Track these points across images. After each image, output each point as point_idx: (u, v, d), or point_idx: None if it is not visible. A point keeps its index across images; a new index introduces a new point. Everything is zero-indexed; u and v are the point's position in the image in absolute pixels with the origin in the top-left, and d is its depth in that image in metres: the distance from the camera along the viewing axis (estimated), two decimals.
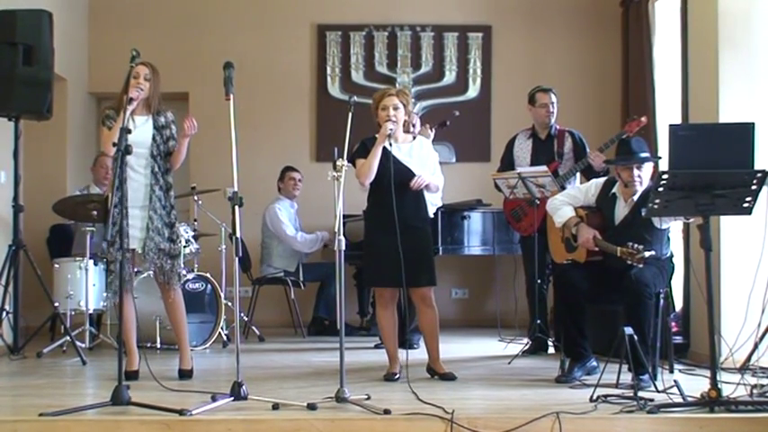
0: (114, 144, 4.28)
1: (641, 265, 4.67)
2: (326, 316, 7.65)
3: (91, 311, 6.37)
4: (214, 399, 4.12)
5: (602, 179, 5.32)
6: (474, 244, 7.24)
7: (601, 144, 6.10)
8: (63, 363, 5.80)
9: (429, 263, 5.09)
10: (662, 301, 4.96)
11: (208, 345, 6.47)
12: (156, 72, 5.05)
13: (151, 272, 5.26)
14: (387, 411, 3.91)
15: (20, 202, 6.08)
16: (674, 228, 5.24)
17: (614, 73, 8.04)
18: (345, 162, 4.51)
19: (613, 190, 5.10)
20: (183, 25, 8.58)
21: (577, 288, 4.99)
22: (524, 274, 6.52)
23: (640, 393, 4.19)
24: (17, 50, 5.87)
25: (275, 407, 4.04)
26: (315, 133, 8.63)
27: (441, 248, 6.96)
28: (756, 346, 5.03)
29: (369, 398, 4.20)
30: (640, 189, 4.95)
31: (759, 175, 4.00)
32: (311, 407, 4.01)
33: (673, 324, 5.61)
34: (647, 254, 4.56)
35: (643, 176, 4.95)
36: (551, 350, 6.17)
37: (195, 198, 6.91)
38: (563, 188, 5.89)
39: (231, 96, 4.41)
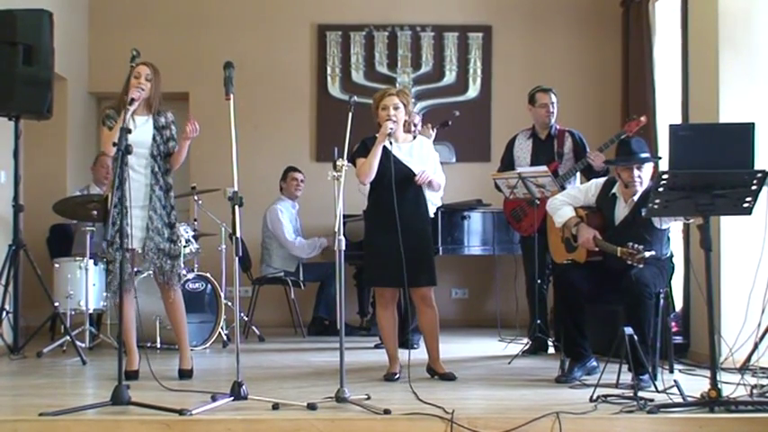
0: (114, 144, 4.28)
1: (641, 266, 4.67)
2: (326, 316, 7.65)
3: (91, 311, 6.37)
4: (214, 399, 4.12)
5: (602, 179, 5.32)
6: (474, 244, 7.24)
7: (600, 144, 6.10)
8: (63, 362, 5.80)
9: (429, 263, 5.09)
10: (662, 301, 4.96)
11: (208, 345, 6.47)
12: (158, 72, 5.06)
13: (151, 272, 5.26)
14: (387, 411, 3.91)
15: (20, 201, 6.08)
16: (674, 228, 5.24)
17: (614, 73, 8.04)
18: (345, 162, 4.51)
19: (613, 190, 5.10)
20: (183, 25, 8.59)
21: (577, 288, 4.99)
22: (524, 274, 6.52)
23: (640, 393, 4.19)
24: (17, 50, 5.87)
25: (275, 407, 4.04)
26: (315, 133, 8.64)
27: (441, 248, 6.96)
28: (756, 346, 5.03)
29: (369, 398, 4.20)
30: (640, 189, 4.95)
31: (759, 175, 4.00)
32: (311, 407, 4.01)
33: (673, 324, 5.61)
34: (647, 254, 4.56)
35: (643, 177, 4.95)
36: (551, 350, 6.17)
37: (195, 198, 6.91)
38: (563, 188, 5.89)
39: (231, 96, 4.41)
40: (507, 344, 6.55)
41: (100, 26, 8.57)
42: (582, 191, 5.31)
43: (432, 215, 5.28)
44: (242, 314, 7.13)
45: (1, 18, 5.91)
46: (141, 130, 4.98)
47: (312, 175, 7.87)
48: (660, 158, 5.41)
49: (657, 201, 4.12)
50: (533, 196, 5.98)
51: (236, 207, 4.29)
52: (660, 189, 4.06)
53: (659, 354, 4.97)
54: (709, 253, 4.13)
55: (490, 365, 5.72)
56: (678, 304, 6.08)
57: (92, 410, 3.98)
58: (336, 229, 4.36)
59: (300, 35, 8.66)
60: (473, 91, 8.63)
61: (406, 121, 5.11)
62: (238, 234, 4.28)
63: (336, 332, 4.56)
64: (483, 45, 8.63)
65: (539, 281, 6.10)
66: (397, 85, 8.30)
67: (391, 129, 4.93)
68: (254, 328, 7.34)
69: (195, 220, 6.94)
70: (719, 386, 3.99)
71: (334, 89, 8.61)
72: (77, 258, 6.38)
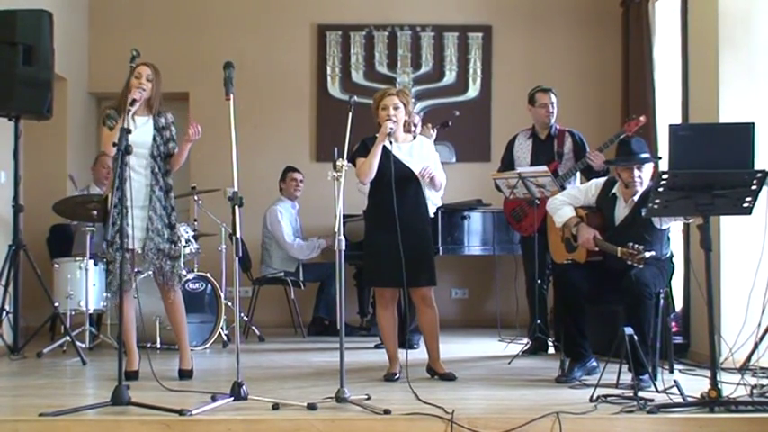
0: (114, 144, 4.28)
1: (641, 266, 4.66)
2: (326, 316, 7.65)
3: (91, 311, 6.37)
4: (214, 399, 4.12)
5: (603, 179, 5.32)
6: (474, 244, 7.24)
7: (600, 144, 6.10)
8: (63, 363, 5.80)
9: (429, 263, 5.09)
10: (662, 301, 4.96)
11: (208, 345, 6.47)
12: (159, 73, 5.06)
13: (151, 272, 5.26)
14: (387, 411, 3.91)
15: (20, 202, 6.08)
16: (674, 228, 5.24)
17: (614, 73, 8.04)
18: (345, 162, 4.51)
19: (613, 190, 5.10)
20: (183, 25, 8.59)
21: (577, 288, 4.99)
22: (524, 274, 6.52)
23: (640, 393, 4.19)
24: (17, 50, 5.87)
25: (275, 407, 4.04)
26: (315, 133, 8.64)
27: (441, 248, 6.96)
28: (756, 346, 5.03)
29: (369, 398, 4.20)
30: (640, 189, 4.95)
31: (759, 175, 4.00)
32: (311, 407, 4.02)
33: (673, 324, 5.61)
34: (647, 254, 4.56)
35: (643, 177, 4.95)
36: (551, 350, 6.17)
37: (195, 198, 6.91)
38: (563, 188, 5.89)
39: (231, 96, 4.41)
40: (507, 344, 6.55)
41: (100, 26, 8.57)
42: (582, 191, 5.31)
43: (432, 215, 5.28)
44: (242, 314, 7.13)
45: (1, 18, 5.91)
46: (141, 131, 4.98)
47: (312, 176, 7.87)
48: (660, 158, 5.41)
49: (657, 201, 4.12)
50: (533, 196, 5.99)
51: (236, 207, 4.29)
52: (660, 189, 4.06)
53: (659, 354, 4.98)
54: (709, 253, 4.13)
55: (490, 365, 5.72)
56: (678, 304, 6.08)
57: (92, 411, 3.98)
58: (336, 230, 4.36)
59: (300, 35, 8.66)
60: (473, 91, 8.63)
61: (406, 121, 5.11)
62: (238, 234, 4.28)
63: (336, 332, 4.56)
64: (483, 45, 8.63)
65: (539, 281, 6.10)
66: (397, 85, 8.29)
67: (391, 129, 4.93)
68: (254, 328, 7.34)
69: (195, 220, 6.94)
70: (719, 386, 4.00)
71: (334, 89, 8.61)
72: (77, 258, 6.38)
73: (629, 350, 4.40)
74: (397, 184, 4.94)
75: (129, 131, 4.31)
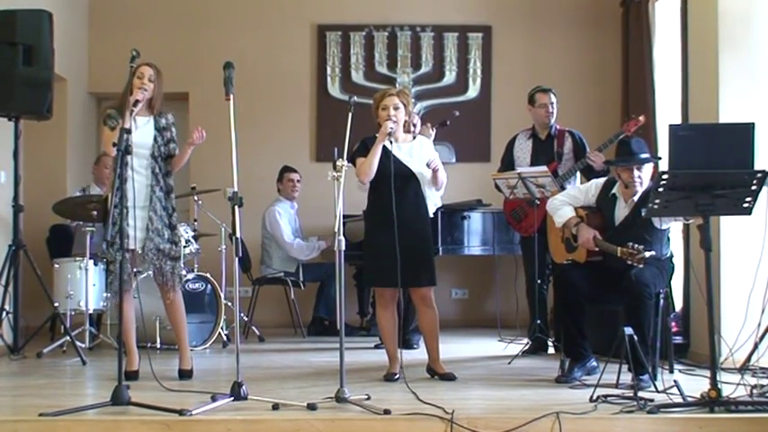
0: (114, 144, 4.28)
1: (641, 266, 4.67)
2: (326, 316, 7.65)
3: (91, 311, 6.37)
4: (214, 399, 4.12)
5: (603, 179, 5.32)
6: (474, 244, 7.24)
7: (599, 144, 6.11)
8: (63, 363, 5.80)
9: (429, 263, 5.09)
10: (662, 301, 4.96)
11: (208, 345, 6.47)
12: (161, 73, 5.07)
13: (151, 272, 5.26)
14: (387, 411, 3.91)
15: (20, 202, 6.07)
16: (674, 228, 5.24)
17: (614, 73, 8.04)
18: (345, 162, 4.51)
19: (613, 190, 5.10)
20: (183, 25, 8.59)
21: (577, 288, 4.99)
22: (524, 274, 6.52)
23: (640, 393, 4.19)
24: (17, 50, 5.87)
25: (275, 407, 4.04)
26: (315, 133, 8.64)
27: (441, 248, 6.96)
28: (756, 346, 5.03)
29: (369, 398, 4.20)
30: (640, 190, 4.95)
31: (759, 175, 4.00)
32: (311, 407, 4.01)
33: (673, 324, 5.61)
34: (647, 254, 4.56)
35: (643, 177, 4.95)
36: (551, 350, 6.17)
37: (195, 198, 6.91)
38: (563, 188, 5.89)
39: (231, 96, 4.41)
40: (507, 344, 6.55)
41: (100, 26, 8.57)
42: (582, 191, 5.31)
43: (432, 215, 5.28)
44: (242, 314, 7.13)
45: (1, 18, 5.91)
46: (142, 131, 4.98)
47: (312, 176, 7.88)
48: (660, 159, 5.41)
49: (657, 201, 4.12)
50: (533, 196, 5.99)
51: (236, 207, 4.29)
52: (660, 189, 4.06)
53: (659, 354, 4.98)
54: (709, 253, 4.13)
55: (490, 365, 5.72)
56: (678, 304, 6.08)
57: (92, 411, 3.98)
58: (336, 230, 4.36)
59: (300, 35, 8.66)
60: (473, 91, 8.63)
61: (405, 121, 5.11)
62: (238, 234, 4.28)
63: (336, 332, 4.56)
64: (483, 45, 8.63)
65: (539, 281, 6.10)
66: (397, 85, 8.30)
67: (391, 128, 4.93)
68: (254, 328, 7.34)
69: (195, 220, 6.94)
70: (719, 386, 3.99)
71: (334, 89, 8.61)
72: (77, 259, 6.38)
73: (628, 350, 4.40)
74: (396, 184, 4.94)
75: (128, 131, 4.31)
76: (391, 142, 4.95)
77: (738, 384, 4.24)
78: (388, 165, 4.95)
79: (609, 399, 4.20)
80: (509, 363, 5.69)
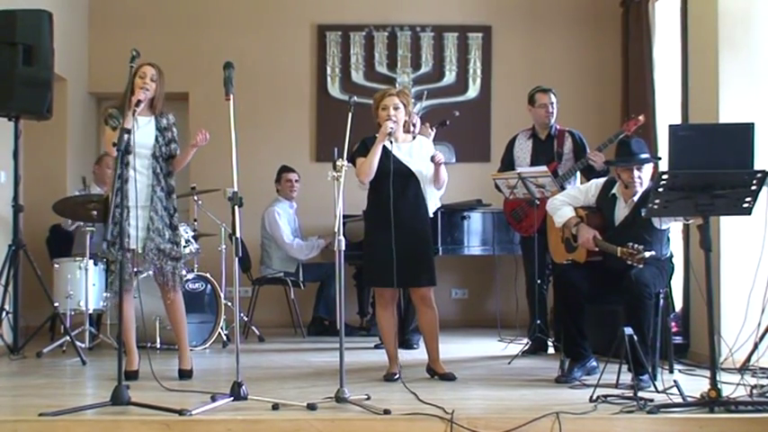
0: (114, 144, 4.28)
1: (641, 266, 4.67)
2: (326, 316, 7.65)
3: (91, 311, 6.37)
4: (214, 399, 4.12)
5: (602, 179, 5.32)
6: (474, 244, 7.24)
7: (599, 144, 6.11)
8: (63, 363, 5.80)
9: (429, 263, 5.09)
10: (662, 301, 4.96)
11: (207, 345, 6.47)
12: (162, 74, 5.07)
13: (151, 272, 5.26)
14: (387, 411, 3.91)
15: (20, 202, 6.08)
16: (674, 228, 5.24)
17: (614, 73, 8.04)
18: (345, 162, 4.51)
19: (613, 190, 5.10)
20: (183, 25, 8.59)
21: (577, 288, 4.99)
22: (524, 274, 6.52)
23: (640, 393, 4.19)
24: (17, 50, 5.87)
25: (275, 407, 4.04)
26: (315, 133, 8.63)
27: (441, 248, 6.96)
28: (756, 346, 5.03)
29: (369, 398, 4.20)
30: (640, 190, 4.95)
31: (759, 175, 4.00)
32: (311, 407, 4.02)
33: (672, 324, 5.61)
34: (647, 254, 4.56)
35: (643, 177, 4.95)
36: (551, 350, 6.17)
37: (195, 198, 6.91)
38: (563, 188, 5.89)
39: (231, 96, 4.41)
40: (507, 344, 6.55)
41: (100, 26, 8.57)
42: (582, 191, 5.31)
43: (431, 215, 5.28)
44: (242, 314, 7.12)
45: (1, 18, 5.91)
46: (144, 131, 4.98)
47: (312, 176, 7.87)
48: (660, 159, 5.42)
49: (657, 201, 4.12)
50: (533, 196, 5.99)
51: (236, 207, 4.29)
52: (660, 189, 4.06)
53: (659, 354, 4.98)
54: (708, 253, 4.13)
55: (490, 365, 5.72)
56: (678, 304, 6.08)
57: (92, 411, 3.98)
58: (336, 230, 4.36)
59: (300, 35, 8.66)
60: (473, 91, 8.63)
61: (405, 121, 5.11)
62: (238, 234, 4.28)
63: (336, 332, 4.56)
64: (483, 45, 8.63)
65: (539, 281, 6.10)
66: (397, 85, 8.29)
67: (391, 128, 4.94)
68: (253, 328, 7.34)
69: (195, 220, 6.94)
70: (719, 386, 3.99)
71: (334, 89, 8.61)
72: (77, 258, 6.38)
73: (628, 350, 4.40)
74: (396, 184, 4.94)
75: (128, 131, 4.32)
76: (391, 142, 4.95)
77: (738, 384, 4.24)
78: (388, 165, 4.95)
79: (609, 399, 4.20)
80: (509, 363, 5.69)
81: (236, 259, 4.33)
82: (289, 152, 8.33)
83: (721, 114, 5.53)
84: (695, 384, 4.52)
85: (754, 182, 4.01)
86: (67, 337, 5.97)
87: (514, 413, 3.99)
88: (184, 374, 5.10)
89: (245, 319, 7.34)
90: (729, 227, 5.48)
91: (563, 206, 5.24)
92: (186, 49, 8.43)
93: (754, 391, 4.25)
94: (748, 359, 5.01)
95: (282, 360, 6.13)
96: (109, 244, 4.82)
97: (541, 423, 3.76)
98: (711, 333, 4.11)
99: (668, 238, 5.05)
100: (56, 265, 6.44)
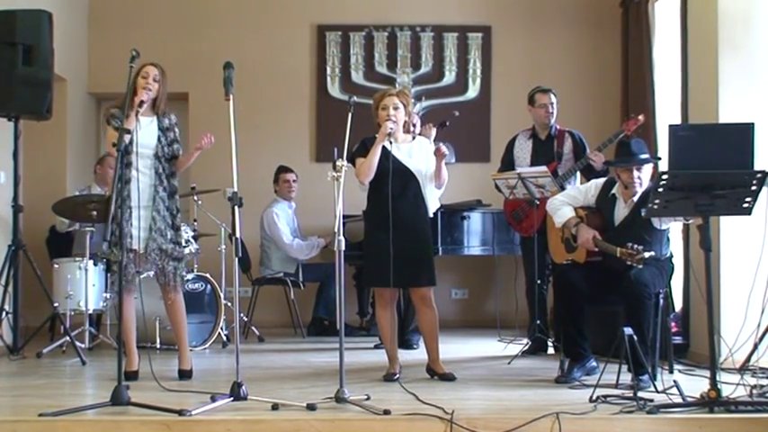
0: (114, 144, 4.28)
1: (641, 266, 4.67)
2: (326, 316, 7.65)
3: (90, 312, 6.37)
4: (214, 399, 4.12)
5: (602, 180, 5.32)
6: (474, 244, 7.24)
7: (599, 143, 6.11)
8: (63, 363, 5.80)
9: (429, 263, 5.09)
10: (661, 301, 4.96)
11: (207, 345, 6.47)
12: (165, 74, 5.08)
13: (152, 272, 5.26)
14: (386, 412, 3.91)
15: (19, 202, 6.08)
16: (674, 228, 5.24)
17: (614, 73, 8.04)
18: (345, 162, 4.51)
19: (613, 191, 5.10)
20: (183, 26, 8.59)
21: (577, 288, 4.99)
22: (524, 274, 6.52)
23: (640, 394, 4.19)
24: (17, 50, 5.87)
25: (275, 407, 4.04)
26: (315, 133, 8.63)
27: (440, 249, 6.96)
28: (756, 346, 5.03)
29: (368, 398, 4.20)
30: (640, 190, 4.95)
31: (759, 175, 4.00)
32: (311, 407, 4.01)
33: (672, 324, 5.61)
34: (646, 254, 4.56)
35: (643, 178, 4.95)
36: (551, 350, 6.17)
37: (195, 198, 6.90)
38: (563, 188, 5.89)
39: (231, 97, 4.41)
40: (507, 344, 6.55)
41: (100, 26, 8.57)
42: (581, 191, 5.31)
43: (431, 215, 5.28)
44: (241, 314, 7.12)
45: (1, 18, 5.91)
46: (146, 132, 4.98)
47: (312, 176, 7.87)
48: (660, 159, 5.42)
49: (657, 201, 4.12)
50: (533, 197, 5.98)
51: (236, 207, 4.29)
52: (660, 189, 4.06)
53: (659, 354, 4.98)
54: (708, 253, 4.13)
55: (490, 366, 5.72)
56: (678, 304, 6.09)
57: (91, 411, 3.98)
58: (336, 230, 4.36)
59: (300, 35, 8.66)
60: (473, 91, 8.63)
61: (405, 121, 5.11)
62: (238, 234, 4.28)
63: (336, 332, 4.57)
64: (482, 45, 8.63)
65: (538, 281, 6.10)
66: (397, 85, 8.30)
67: (391, 129, 4.94)
68: (253, 328, 7.34)
69: (195, 220, 6.93)
70: (719, 386, 3.99)
71: (334, 89, 8.61)
72: (77, 259, 6.38)
73: (628, 350, 4.40)
74: (396, 184, 4.94)
75: (127, 131, 4.32)
76: (391, 143, 4.95)
77: (738, 385, 4.24)
78: (388, 165, 4.96)
79: (608, 399, 4.20)
80: (509, 363, 5.69)
81: (236, 259, 4.33)
82: (288, 152, 8.33)
83: (721, 114, 5.53)
84: (695, 384, 4.52)
85: (754, 182, 4.01)
86: (67, 338, 5.97)
87: (514, 413, 3.99)
88: (184, 375, 5.10)
89: (245, 319, 7.34)
90: (729, 227, 5.48)
91: (563, 206, 5.24)
92: (186, 49, 8.42)
93: (754, 392, 4.24)
94: (748, 359, 5.01)
95: (282, 360, 6.13)
96: (110, 244, 4.82)
97: (541, 423, 3.75)
98: (711, 333, 4.11)
99: (668, 239, 5.05)
100: (55, 266, 6.44)
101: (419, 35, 8.65)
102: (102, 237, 5.11)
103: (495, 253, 7.30)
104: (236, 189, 4.30)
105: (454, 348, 6.37)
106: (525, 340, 6.30)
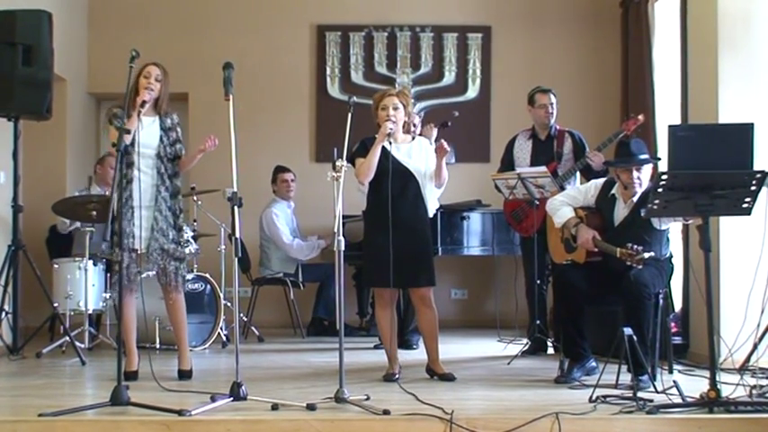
0: (114, 144, 4.29)
1: (640, 266, 4.67)
2: (326, 316, 7.65)
3: (90, 312, 6.37)
4: (213, 399, 4.12)
5: (602, 180, 5.32)
6: (473, 244, 7.24)
7: (598, 143, 6.11)
8: (62, 363, 5.80)
9: (428, 263, 5.09)
10: (661, 301, 4.96)
11: (207, 345, 6.47)
12: (167, 74, 5.08)
13: (153, 272, 5.26)
14: (386, 412, 3.91)
15: (19, 202, 6.08)
16: (674, 228, 5.24)
17: (614, 73, 8.03)
18: (345, 162, 4.51)
19: (613, 191, 5.10)
20: (183, 26, 8.59)
21: (577, 288, 4.99)
22: (524, 274, 6.52)
23: (639, 394, 4.19)
24: (17, 50, 5.87)
25: (274, 407, 4.04)
26: (314, 133, 8.63)
27: (440, 249, 6.95)
28: (756, 346, 5.03)
29: (368, 398, 4.20)
30: (640, 190, 4.95)
31: (758, 175, 4.00)
32: (310, 407, 4.01)
33: (672, 324, 5.61)
34: (646, 255, 4.56)
35: (642, 178, 4.95)
36: (551, 351, 6.17)
37: (195, 198, 6.90)
38: (562, 188, 5.89)
39: (231, 97, 4.41)
40: (507, 344, 6.55)
41: (100, 26, 8.57)
42: (581, 191, 5.31)
43: (431, 216, 5.28)
44: (241, 315, 7.11)
45: (1, 18, 5.91)
46: (148, 132, 4.98)
47: (311, 176, 7.87)
48: (659, 159, 5.42)
49: (657, 201, 4.12)
50: (533, 197, 5.98)
51: (236, 208, 4.29)
52: (659, 189, 4.06)
53: (658, 354, 4.98)
54: (708, 253, 4.13)
55: (490, 366, 5.72)
56: (677, 305, 6.09)
57: (91, 411, 3.98)
58: (336, 230, 4.36)
59: (300, 36, 8.66)
60: (472, 91, 8.63)
61: (405, 122, 5.11)
62: (238, 235, 4.28)
63: (336, 333, 4.57)
64: (482, 45, 8.63)
65: (538, 281, 6.10)
66: (397, 85, 8.30)
67: (390, 129, 4.93)
68: (253, 328, 7.33)
69: (195, 220, 6.93)
70: (719, 387, 3.99)
71: (334, 90, 8.61)
72: (77, 259, 6.38)
73: (628, 351, 4.40)
74: (395, 184, 4.94)
75: (127, 131, 4.33)
76: (390, 143, 4.95)
77: (738, 385, 4.24)
78: (387, 165, 4.96)
79: (608, 399, 4.20)
80: (508, 363, 5.69)
81: (236, 260, 4.33)
82: (288, 152, 8.33)
83: (721, 114, 5.53)
84: (695, 385, 4.52)
85: (754, 182, 4.01)
86: (67, 338, 5.97)
87: (514, 413, 3.99)
88: (184, 375, 5.10)
89: (245, 319, 7.34)
90: (729, 227, 5.48)
91: (562, 206, 5.24)
92: (186, 49, 8.41)
93: (754, 392, 4.25)
94: (748, 359, 5.01)
95: (282, 360, 6.13)
96: (111, 244, 4.82)
97: (541, 423, 3.75)
98: (711, 333, 4.11)
99: (668, 239, 5.05)
100: (55, 266, 6.44)
101: (419, 35, 8.65)
102: (102, 237, 5.12)
103: (495, 253, 7.30)
104: (235, 189, 4.30)
105: (454, 348, 6.37)
106: (525, 340, 6.30)
